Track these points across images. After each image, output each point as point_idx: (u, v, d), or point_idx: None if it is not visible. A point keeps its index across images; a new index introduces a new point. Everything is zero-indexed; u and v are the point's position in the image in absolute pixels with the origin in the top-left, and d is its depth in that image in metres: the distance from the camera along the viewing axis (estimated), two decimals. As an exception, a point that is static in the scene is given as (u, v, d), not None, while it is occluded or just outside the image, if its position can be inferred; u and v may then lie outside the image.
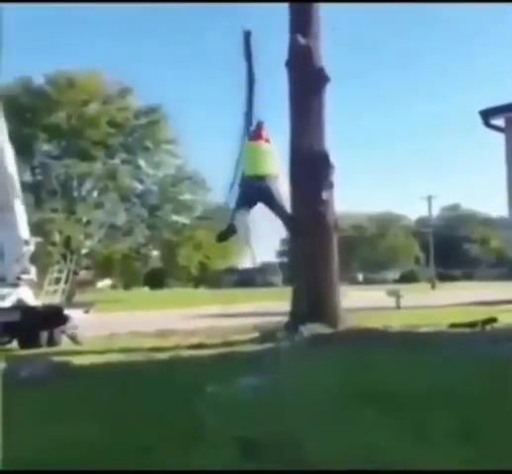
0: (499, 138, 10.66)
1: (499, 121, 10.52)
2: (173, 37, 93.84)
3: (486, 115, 10.38)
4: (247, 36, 14.42)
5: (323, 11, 15.14)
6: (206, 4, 53.27)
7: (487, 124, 10.47)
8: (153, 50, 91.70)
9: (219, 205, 40.08)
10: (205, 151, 77.17)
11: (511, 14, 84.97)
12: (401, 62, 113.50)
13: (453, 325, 13.08)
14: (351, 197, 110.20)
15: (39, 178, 38.61)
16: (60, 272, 15.85)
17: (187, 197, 41.15)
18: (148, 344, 12.18)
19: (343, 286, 16.64)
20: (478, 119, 10.51)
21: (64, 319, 14.02)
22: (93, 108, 38.00)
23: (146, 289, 64.20)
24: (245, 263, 13.92)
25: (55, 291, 15.33)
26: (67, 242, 35.36)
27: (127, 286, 64.40)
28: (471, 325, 12.79)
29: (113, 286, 64.96)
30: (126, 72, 74.21)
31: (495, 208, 68.21)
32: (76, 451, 4.54)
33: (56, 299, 15.07)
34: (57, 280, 15.54)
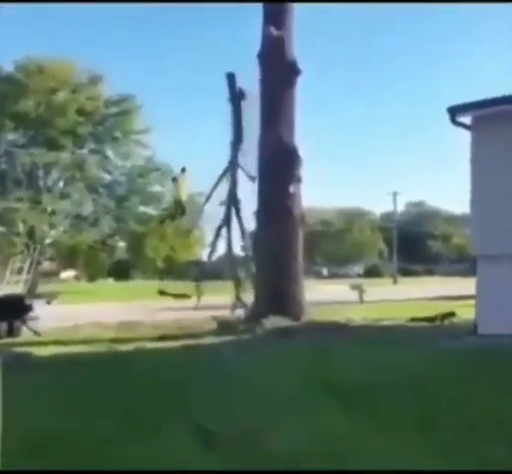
0: (465, 136, 10.81)
1: (466, 119, 10.66)
2: (150, 24, 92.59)
3: (453, 112, 10.50)
4: (231, 78, 14.63)
5: (297, 4, 15.21)
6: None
7: (454, 122, 10.59)
8: (128, 39, 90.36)
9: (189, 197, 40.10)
10: (176, 142, 76.47)
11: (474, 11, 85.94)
12: (374, 60, 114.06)
13: (413, 319, 13.31)
14: (319, 193, 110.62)
15: (3, 167, 37.92)
16: (23, 262, 15.65)
17: (155, 188, 40.86)
18: (110, 335, 12.13)
19: (308, 280, 16.78)
20: (446, 117, 10.63)
21: (25, 309, 13.85)
22: (62, 96, 37.36)
23: (111, 281, 63.60)
24: (210, 255, 13.96)
25: (18, 282, 15.13)
26: (31, 232, 34.85)
27: (91, 278, 63.67)
28: (431, 319, 13.05)
29: (77, 277, 64.19)
30: (97, 60, 73.49)
31: (459, 206, 69.17)
32: (36, 443, 4.54)
33: (18, 289, 14.88)
34: (20, 271, 15.34)
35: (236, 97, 14.64)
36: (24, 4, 33.53)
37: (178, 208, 16.93)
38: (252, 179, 14.55)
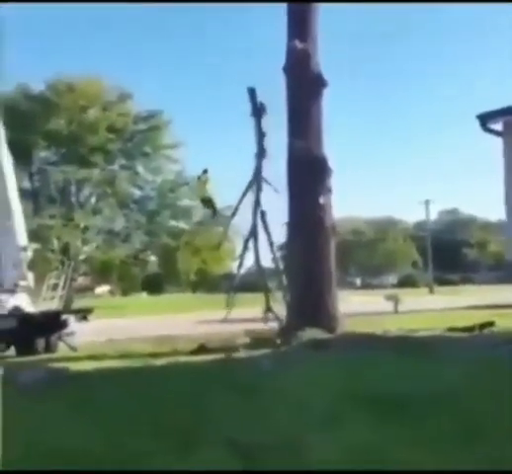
0: (498, 142, 10.65)
1: (497, 126, 10.50)
2: (176, 41, 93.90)
3: (484, 119, 10.37)
4: (252, 93, 14.73)
5: (322, 14, 15.20)
6: (207, 4, 53.35)
7: (485, 129, 10.45)
8: (156, 55, 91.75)
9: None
10: (206, 156, 77.12)
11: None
12: (404, 66, 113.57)
13: (451, 329, 13.07)
14: (350, 203, 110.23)
15: (37, 184, 38.61)
16: (58, 278, 15.82)
17: (185, 202, 41.14)
18: (145, 350, 12.15)
19: (341, 291, 16.64)
20: (477, 123, 10.50)
21: (61, 325, 13.99)
22: (92, 113, 38.00)
23: (144, 295, 64.06)
24: (238, 268, 14.03)
25: (53, 298, 15.29)
26: (65, 248, 35.32)
27: (125, 292, 64.24)
28: (469, 329, 12.79)
29: (111, 292, 64.82)
30: (126, 77, 74.66)
31: (494, 213, 68.24)
32: (76, 459, 4.53)
33: (54, 306, 15.04)
34: (55, 287, 15.51)
35: (258, 111, 14.70)
36: (24, 4, 34.11)
37: (209, 206, 17.18)
38: (276, 191, 14.56)
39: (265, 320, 13.50)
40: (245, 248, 14.70)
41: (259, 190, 14.63)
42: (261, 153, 14.74)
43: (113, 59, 76.09)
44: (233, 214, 15.54)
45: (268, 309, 13.48)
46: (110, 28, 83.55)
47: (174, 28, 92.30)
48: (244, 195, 14.79)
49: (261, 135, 14.81)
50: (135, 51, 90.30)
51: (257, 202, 14.57)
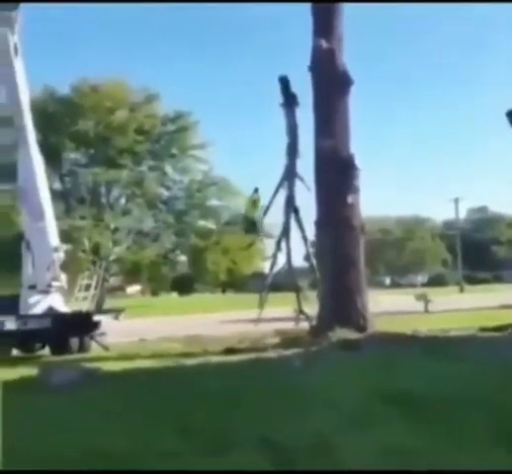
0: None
1: (526, 123, 10.40)
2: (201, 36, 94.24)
3: (513, 116, 10.27)
4: (284, 81, 14.63)
5: (347, 13, 15.18)
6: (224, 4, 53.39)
7: (514, 126, 10.35)
8: (183, 57, 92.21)
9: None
10: (234, 156, 77.32)
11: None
12: (427, 61, 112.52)
13: (483, 329, 12.93)
14: (378, 201, 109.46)
15: (67, 186, 39.08)
16: (90, 278, 16.01)
17: (213, 202, 41.29)
18: (176, 349, 12.25)
19: (370, 290, 16.56)
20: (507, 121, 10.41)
21: (94, 325, 14.17)
22: (121, 115, 38.31)
23: (175, 295, 64.44)
24: (271, 267, 13.98)
25: (85, 298, 15.49)
26: (96, 249, 35.70)
27: (155, 292, 64.72)
28: (502, 328, 12.64)
29: (141, 292, 65.34)
30: (153, 77, 75.15)
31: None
32: (104, 459, 4.59)
33: (86, 306, 15.23)
34: (87, 287, 15.71)
35: (290, 101, 14.54)
36: (28, 4, 34.44)
37: (249, 228, 16.81)
38: (308, 189, 14.49)
39: (296, 320, 13.49)
40: (278, 247, 14.66)
41: (292, 186, 14.53)
42: (293, 148, 14.60)
43: (139, 59, 76.54)
44: (265, 212, 15.45)
45: (299, 309, 13.47)
46: (135, 28, 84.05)
47: (199, 27, 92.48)
48: (276, 192, 14.70)
49: (293, 128, 14.63)
50: (162, 51, 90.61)
51: (290, 200, 14.45)
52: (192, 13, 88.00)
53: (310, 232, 14.80)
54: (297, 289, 14.07)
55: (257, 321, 14.06)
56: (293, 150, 14.59)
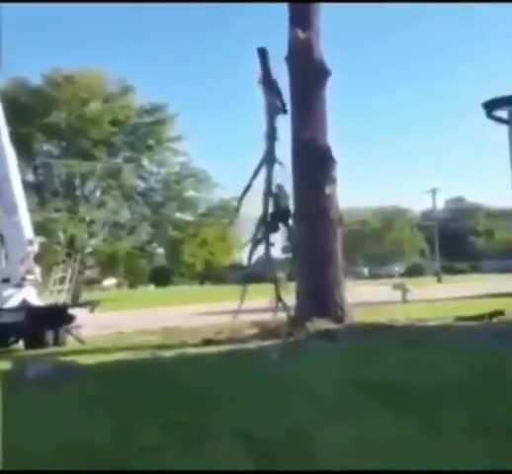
0: (503, 130, 10.59)
1: (502, 113, 10.44)
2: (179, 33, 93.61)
3: (489, 106, 10.30)
4: (263, 53, 14.08)
5: (324, 4, 15.10)
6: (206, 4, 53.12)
7: (491, 116, 10.38)
8: (160, 48, 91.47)
9: (223, 202, 40.15)
10: (211, 148, 77.04)
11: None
12: (402, 56, 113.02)
13: (459, 318, 13.01)
14: (356, 193, 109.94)
15: (41, 178, 38.61)
16: (65, 271, 15.82)
17: (191, 194, 41.10)
18: (154, 342, 12.15)
19: (349, 281, 16.58)
20: (482, 112, 10.44)
21: (69, 318, 14.01)
22: (94, 106, 37.89)
23: (152, 287, 64.27)
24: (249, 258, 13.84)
25: (60, 291, 15.31)
26: (71, 241, 35.38)
27: (132, 284, 64.47)
28: (478, 318, 12.73)
29: (118, 285, 65.02)
30: (129, 70, 74.44)
31: (500, 200, 67.88)
32: (85, 453, 4.52)
33: (61, 299, 15.06)
34: (62, 280, 15.52)
35: (268, 76, 14.19)
36: (26, 4, 34.01)
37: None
38: (287, 174, 14.14)
39: (275, 310, 13.41)
40: (256, 237, 14.47)
41: (270, 171, 14.26)
42: (271, 129, 14.28)
43: (118, 52, 75.80)
44: (242, 196, 15.08)
45: (278, 300, 13.37)
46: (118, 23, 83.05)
47: (177, 21, 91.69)
48: (254, 177, 14.44)
49: (271, 107, 14.27)
50: (142, 44, 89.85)
51: (268, 185, 14.18)
52: (171, 8, 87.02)
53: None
54: (275, 280, 13.98)
55: (236, 312, 14.00)
56: (271, 132, 14.31)
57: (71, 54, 70.76)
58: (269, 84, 14.12)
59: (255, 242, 14.41)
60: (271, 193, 14.09)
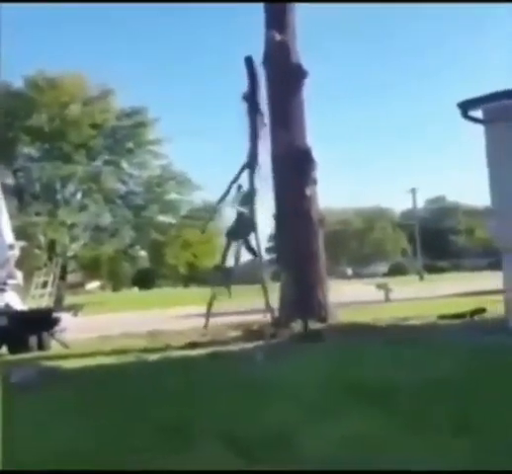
0: (479, 130, 10.71)
1: (478, 113, 10.57)
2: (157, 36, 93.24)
3: (465, 107, 10.41)
4: (250, 62, 14.01)
5: (300, 6, 15.16)
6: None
7: (466, 116, 10.49)
8: (137, 50, 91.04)
9: (205, 204, 40.11)
10: (192, 150, 76.71)
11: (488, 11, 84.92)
12: (382, 58, 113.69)
13: (442, 316, 13.13)
14: (337, 193, 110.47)
15: (21, 181, 38.26)
16: (47, 275, 15.72)
17: (172, 196, 40.99)
18: (138, 345, 12.12)
19: (332, 281, 16.65)
20: (458, 112, 10.54)
21: (53, 322, 13.92)
22: (74, 109, 37.67)
23: (136, 290, 63.97)
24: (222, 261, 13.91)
25: (42, 295, 15.21)
26: (52, 245, 35.12)
27: (115, 288, 64.18)
28: (461, 316, 12.85)
29: (102, 288, 64.69)
30: (107, 73, 73.95)
31: (481, 199, 68.49)
32: (72, 456, 4.51)
33: (44, 303, 14.97)
34: (44, 284, 15.42)
35: (254, 84, 14.12)
36: (23, 4, 33.74)
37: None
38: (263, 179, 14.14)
39: (265, 312, 13.36)
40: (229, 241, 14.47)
41: (252, 174, 14.21)
42: (254, 134, 14.20)
43: (99, 55, 75.33)
44: (222, 199, 15.03)
45: (266, 301, 13.31)
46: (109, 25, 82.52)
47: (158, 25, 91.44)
48: (235, 181, 14.44)
49: (255, 111, 14.16)
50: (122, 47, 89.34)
51: (252, 187, 14.11)
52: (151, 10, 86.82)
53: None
54: (263, 282, 13.93)
55: (219, 315, 14.02)
56: (253, 136, 14.25)
57: (43, 53, 70.00)
58: (253, 97, 14.05)
59: (227, 246, 14.35)
60: (253, 196, 14.12)
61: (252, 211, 13.85)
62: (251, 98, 14.12)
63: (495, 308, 12.17)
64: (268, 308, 13.00)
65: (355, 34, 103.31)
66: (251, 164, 14.24)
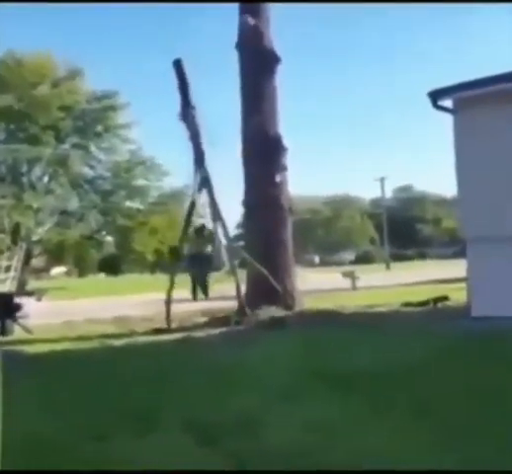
0: (448, 119, 10.78)
1: (447, 103, 10.62)
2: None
3: (435, 96, 10.45)
4: (178, 64, 13.31)
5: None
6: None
7: (436, 106, 10.55)
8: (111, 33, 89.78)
9: (174, 190, 39.84)
10: (161, 135, 76.10)
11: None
12: (352, 43, 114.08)
13: (406, 304, 13.30)
14: (306, 181, 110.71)
15: (-15, 163, 37.50)
16: (10, 259, 15.46)
17: (141, 182, 40.58)
18: (102, 331, 12.03)
19: (299, 269, 16.72)
20: (428, 100, 10.59)
21: (16, 307, 13.71)
22: (43, 90, 36.92)
23: (102, 276, 63.48)
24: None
25: (5, 280, 14.96)
26: (17, 229, 34.55)
27: (82, 273, 63.59)
28: (424, 303, 13.04)
29: (67, 273, 64.05)
30: (78, 55, 72.72)
31: (449, 189, 69.41)
32: (33, 444, 4.46)
33: (7, 288, 14.72)
34: (7, 269, 15.16)
35: (185, 88, 13.59)
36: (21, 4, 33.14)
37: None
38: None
39: (237, 298, 13.24)
40: (216, 226, 14.15)
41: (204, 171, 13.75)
42: (200, 157, 13.51)
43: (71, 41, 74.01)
44: (187, 218, 14.31)
45: (237, 288, 13.14)
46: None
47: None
48: (194, 195, 13.96)
49: (196, 138, 13.51)
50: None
51: (204, 176, 13.69)
52: None
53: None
54: (233, 269, 13.76)
55: (184, 301, 13.94)
56: (200, 157, 13.54)
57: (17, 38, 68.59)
58: (186, 101, 13.32)
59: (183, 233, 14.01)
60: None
61: (213, 199, 13.44)
62: (184, 102, 13.42)
63: (458, 296, 12.36)
64: (238, 295, 12.93)
65: (332, 18, 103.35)
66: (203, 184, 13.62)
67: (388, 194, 75.01)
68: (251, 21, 14.19)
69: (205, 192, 13.42)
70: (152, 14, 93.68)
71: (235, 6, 14.73)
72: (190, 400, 5.58)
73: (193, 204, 13.78)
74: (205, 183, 13.29)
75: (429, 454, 3.82)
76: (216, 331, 10.93)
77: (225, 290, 14.20)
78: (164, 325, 12.16)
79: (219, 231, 13.52)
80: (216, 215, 13.36)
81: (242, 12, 14.48)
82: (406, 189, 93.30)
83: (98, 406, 5.54)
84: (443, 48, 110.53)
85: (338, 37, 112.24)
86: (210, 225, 14.08)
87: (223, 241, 13.58)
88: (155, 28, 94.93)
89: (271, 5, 14.84)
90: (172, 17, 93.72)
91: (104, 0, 45.96)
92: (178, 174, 45.40)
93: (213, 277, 14.83)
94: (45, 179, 38.42)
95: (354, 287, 22.33)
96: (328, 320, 11.27)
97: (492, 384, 5.48)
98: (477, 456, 3.71)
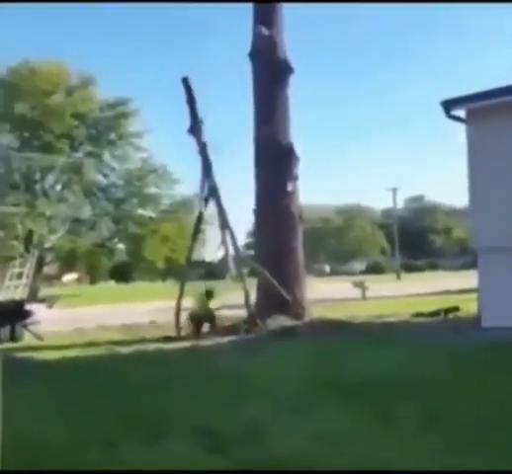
0: (461, 129, 10.77)
1: (460, 112, 10.61)
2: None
3: (448, 106, 10.45)
4: (186, 82, 13.50)
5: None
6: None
7: (449, 116, 10.54)
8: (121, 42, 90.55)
9: (185, 198, 39.97)
10: (173, 143, 76.30)
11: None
12: (364, 53, 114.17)
13: (417, 314, 13.23)
14: (318, 191, 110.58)
15: (0, 170, 37.78)
16: (23, 266, 15.53)
17: (152, 190, 40.74)
18: (113, 338, 12.05)
19: (310, 278, 16.67)
20: (441, 111, 10.59)
21: (26, 314, 13.77)
22: (57, 99, 37.24)
23: (113, 283, 63.61)
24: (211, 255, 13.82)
25: (18, 286, 15.02)
26: (30, 236, 34.75)
27: (93, 281, 63.77)
28: (435, 314, 12.97)
29: (78, 281, 64.24)
30: (91, 63, 73.41)
31: (460, 199, 69.02)
32: (46, 448, 4.47)
33: (19, 294, 14.78)
34: (20, 275, 15.23)
35: (194, 106, 13.79)
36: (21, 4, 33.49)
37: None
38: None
39: (247, 307, 13.23)
40: (224, 234, 14.25)
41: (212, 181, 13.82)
42: (208, 169, 13.71)
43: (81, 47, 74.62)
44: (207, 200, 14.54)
45: (246, 297, 13.15)
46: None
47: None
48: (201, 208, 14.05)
49: (205, 152, 13.76)
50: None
51: (213, 188, 13.79)
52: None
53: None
54: (241, 277, 13.77)
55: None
56: (208, 169, 13.71)
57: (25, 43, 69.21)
58: (195, 118, 13.57)
59: (224, 239, 14.10)
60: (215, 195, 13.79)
61: (221, 207, 13.54)
62: (192, 117, 13.65)
63: (469, 307, 12.28)
64: (247, 304, 12.92)
65: (337, 21, 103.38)
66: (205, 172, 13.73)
67: (400, 204, 74.88)
68: (265, 31, 14.28)
69: (213, 201, 13.53)
70: (170, 21, 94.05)
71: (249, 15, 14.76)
72: (196, 409, 5.55)
73: (201, 214, 13.88)
74: (212, 192, 13.45)
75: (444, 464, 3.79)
76: (226, 339, 10.91)
77: (236, 299, 14.18)
78: (174, 333, 12.17)
79: (227, 239, 13.56)
80: (224, 224, 13.43)
81: (256, 22, 14.57)
82: (418, 199, 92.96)
83: (108, 412, 5.53)
84: (461, 55, 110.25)
85: (352, 43, 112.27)
86: (218, 233, 14.12)
87: (231, 249, 13.63)
88: (171, 37, 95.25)
89: (285, 13, 14.90)
90: (188, 26, 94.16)
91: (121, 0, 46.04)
92: (189, 182, 45.44)
93: (221, 286, 14.82)
94: (59, 187, 38.66)
95: (364, 297, 22.26)
96: (338, 330, 11.22)
97: (503, 394, 5.44)
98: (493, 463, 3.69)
